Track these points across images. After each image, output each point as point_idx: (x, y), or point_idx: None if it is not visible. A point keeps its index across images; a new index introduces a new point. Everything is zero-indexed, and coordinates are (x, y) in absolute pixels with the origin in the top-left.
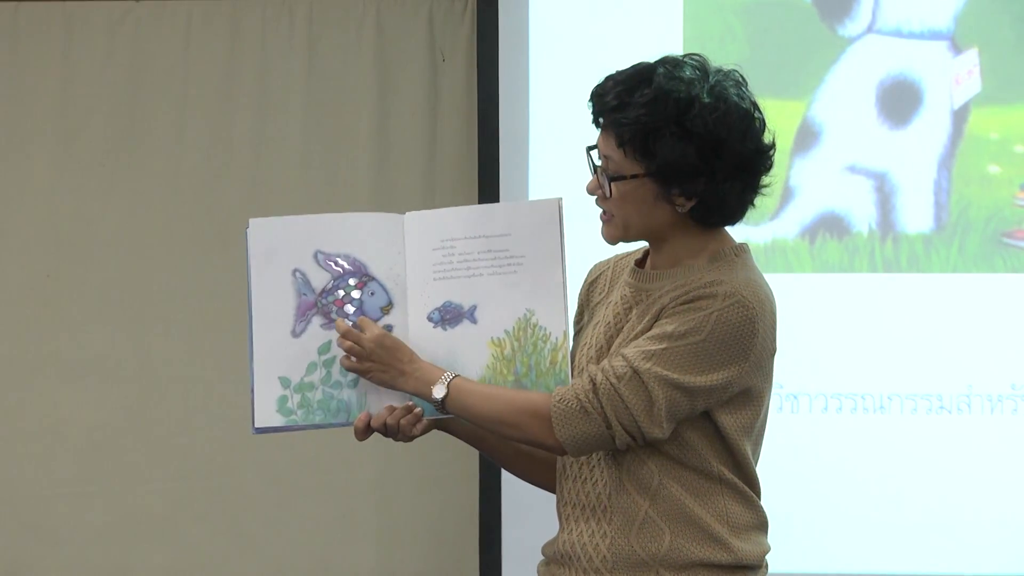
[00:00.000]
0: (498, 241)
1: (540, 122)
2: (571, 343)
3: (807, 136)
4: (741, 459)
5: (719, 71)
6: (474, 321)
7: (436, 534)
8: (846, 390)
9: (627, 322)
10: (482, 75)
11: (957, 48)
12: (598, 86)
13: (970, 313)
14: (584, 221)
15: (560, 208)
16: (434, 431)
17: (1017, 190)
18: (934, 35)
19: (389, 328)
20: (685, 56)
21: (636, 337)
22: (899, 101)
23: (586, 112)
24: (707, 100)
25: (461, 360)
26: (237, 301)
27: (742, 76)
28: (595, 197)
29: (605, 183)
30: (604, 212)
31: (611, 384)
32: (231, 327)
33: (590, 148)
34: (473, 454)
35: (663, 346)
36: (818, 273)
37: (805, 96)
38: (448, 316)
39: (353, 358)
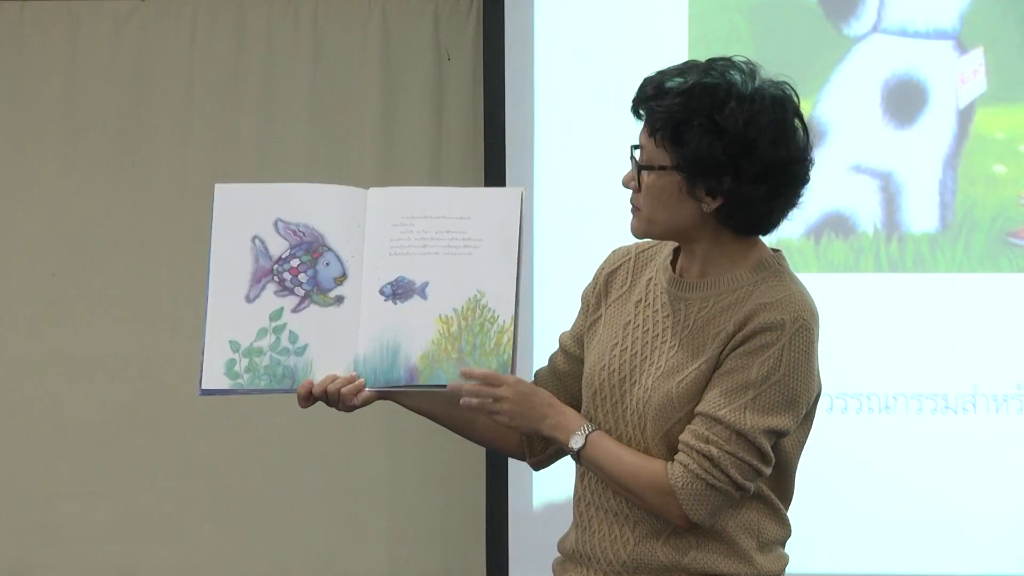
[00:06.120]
0: (457, 223)
1: (545, 120)
2: (517, 327)
3: (812, 136)
4: (787, 473)
5: (771, 80)
6: (424, 297)
7: (444, 533)
8: (851, 390)
9: (664, 329)
10: (488, 74)
11: (963, 47)
12: (646, 78)
13: (975, 313)
14: (586, 219)
15: (522, 198)
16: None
17: (1023, 189)
18: (939, 34)
19: (341, 299)
20: (740, 59)
21: (695, 361)
22: (904, 101)
23: (591, 110)
24: (743, 99)
25: (408, 334)
26: None
27: (794, 92)
28: (630, 191)
29: (635, 173)
30: (633, 205)
31: (728, 453)
32: None
33: (635, 146)
34: (480, 453)
35: (751, 396)
36: (823, 273)
37: (810, 96)
38: (400, 291)
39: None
